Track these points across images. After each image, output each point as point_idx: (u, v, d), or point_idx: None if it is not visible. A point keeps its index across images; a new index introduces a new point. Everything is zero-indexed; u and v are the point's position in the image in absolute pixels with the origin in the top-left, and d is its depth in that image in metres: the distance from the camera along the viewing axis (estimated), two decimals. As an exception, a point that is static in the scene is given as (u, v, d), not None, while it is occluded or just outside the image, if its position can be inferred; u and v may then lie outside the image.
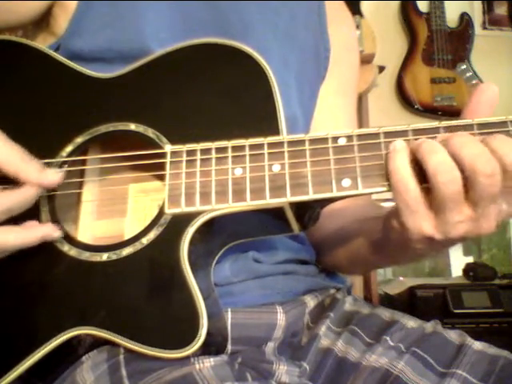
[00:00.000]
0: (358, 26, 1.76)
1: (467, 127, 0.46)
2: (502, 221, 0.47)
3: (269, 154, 0.50)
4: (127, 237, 0.53)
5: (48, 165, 0.56)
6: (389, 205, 0.56)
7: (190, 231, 0.50)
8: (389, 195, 0.47)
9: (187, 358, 0.47)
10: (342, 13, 0.85)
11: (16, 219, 0.50)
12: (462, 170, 0.44)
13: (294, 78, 0.72)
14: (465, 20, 2.28)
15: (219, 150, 0.52)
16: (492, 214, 0.45)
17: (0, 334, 0.51)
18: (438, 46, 2.19)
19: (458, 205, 0.45)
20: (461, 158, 0.43)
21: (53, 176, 0.52)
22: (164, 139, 0.55)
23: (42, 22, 0.70)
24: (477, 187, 0.43)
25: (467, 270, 1.76)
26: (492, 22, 2.36)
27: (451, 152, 0.44)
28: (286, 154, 0.50)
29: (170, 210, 0.51)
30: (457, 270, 2.03)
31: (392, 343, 0.56)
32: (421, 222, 0.46)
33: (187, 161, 0.52)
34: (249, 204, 0.49)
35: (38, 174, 0.50)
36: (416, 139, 0.47)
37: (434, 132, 0.47)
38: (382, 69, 1.95)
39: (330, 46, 0.78)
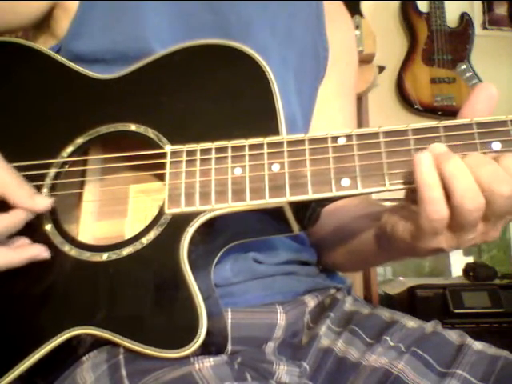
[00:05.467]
0: (357, 26, 1.76)
1: (467, 127, 0.46)
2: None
3: (268, 153, 0.50)
4: (128, 237, 0.53)
5: (49, 165, 0.56)
6: (389, 204, 0.56)
7: (190, 231, 0.50)
8: (388, 195, 0.47)
9: (187, 357, 0.47)
10: (340, 13, 0.85)
11: None
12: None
13: (294, 77, 0.72)
14: (465, 20, 2.28)
15: (219, 149, 0.52)
16: (500, 226, 0.46)
17: (0, 334, 0.51)
18: (438, 46, 2.19)
19: (475, 226, 0.45)
20: (478, 180, 0.43)
21: (43, 202, 0.52)
22: (164, 139, 0.55)
23: (43, 24, 0.70)
24: (493, 207, 0.43)
25: (467, 269, 1.76)
26: (492, 22, 2.36)
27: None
28: (286, 154, 0.50)
29: (169, 210, 0.51)
30: (457, 270, 2.03)
31: (392, 343, 0.56)
32: (439, 241, 0.47)
33: (187, 161, 0.52)
34: (248, 204, 0.49)
35: (28, 199, 0.50)
36: (417, 139, 0.47)
37: (434, 132, 0.47)
38: (382, 69, 1.95)
39: (329, 46, 0.78)
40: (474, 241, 0.47)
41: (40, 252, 0.52)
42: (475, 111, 0.47)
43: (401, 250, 0.54)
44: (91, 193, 0.61)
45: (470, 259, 2.10)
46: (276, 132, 0.52)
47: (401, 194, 0.49)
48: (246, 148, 0.51)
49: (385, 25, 2.24)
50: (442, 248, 0.48)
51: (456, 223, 0.45)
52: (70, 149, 0.57)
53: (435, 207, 0.44)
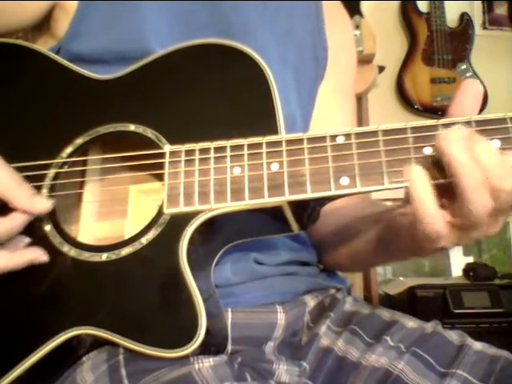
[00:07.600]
0: (357, 26, 1.76)
1: (465, 125, 0.46)
2: None
3: (267, 153, 0.50)
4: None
5: (48, 166, 0.56)
6: (388, 204, 0.56)
7: (189, 231, 0.50)
8: (388, 194, 0.47)
9: (187, 357, 0.47)
10: (338, 13, 0.85)
11: None
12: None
13: (293, 77, 0.72)
14: (465, 20, 2.28)
15: (218, 149, 0.52)
16: (502, 221, 0.46)
17: (0, 334, 0.51)
18: (438, 46, 2.19)
19: (483, 222, 0.45)
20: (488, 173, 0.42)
21: (43, 203, 0.52)
22: (163, 139, 0.55)
23: (43, 24, 0.70)
24: (499, 201, 0.43)
25: (467, 269, 1.76)
26: (492, 21, 2.36)
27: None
28: (285, 153, 0.49)
29: (168, 210, 0.51)
30: (457, 270, 2.03)
31: (392, 343, 0.56)
32: (444, 241, 0.46)
33: (186, 160, 0.52)
34: (247, 203, 0.49)
35: (27, 201, 0.50)
36: (415, 137, 0.47)
37: (433, 130, 0.47)
38: (381, 69, 1.95)
39: (328, 45, 0.78)
40: (476, 236, 0.47)
41: (38, 255, 0.51)
42: (464, 109, 0.46)
43: (406, 249, 0.54)
44: (91, 193, 0.61)
45: (470, 259, 2.10)
46: (275, 131, 0.52)
47: (400, 193, 0.49)
48: (245, 147, 0.51)
49: (385, 25, 2.24)
50: (446, 247, 0.47)
51: (466, 223, 0.44)
52: (69, 149, 0.57)
53: (431, 220, 0.44)
